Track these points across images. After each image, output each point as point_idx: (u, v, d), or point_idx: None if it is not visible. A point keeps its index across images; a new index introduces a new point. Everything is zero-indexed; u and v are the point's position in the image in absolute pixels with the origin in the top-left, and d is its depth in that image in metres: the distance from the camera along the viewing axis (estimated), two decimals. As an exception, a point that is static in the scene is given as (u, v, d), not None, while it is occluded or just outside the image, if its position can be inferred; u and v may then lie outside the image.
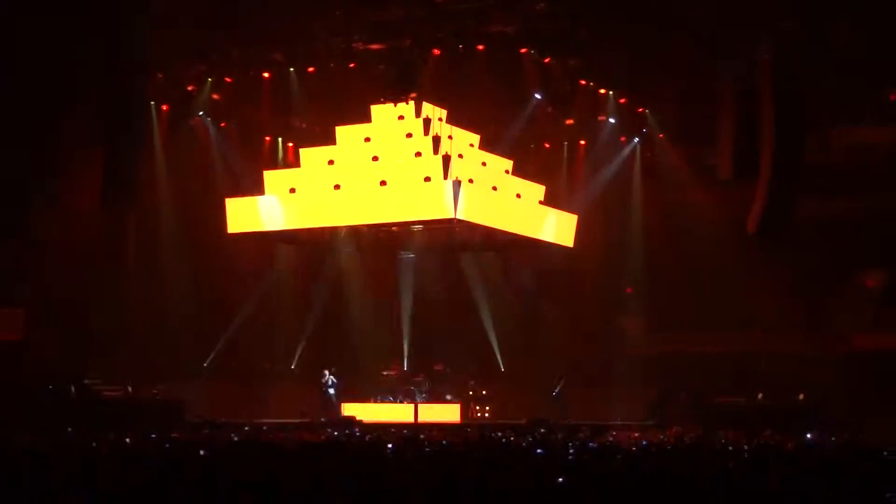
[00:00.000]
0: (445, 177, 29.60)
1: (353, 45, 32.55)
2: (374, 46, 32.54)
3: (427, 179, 30.00)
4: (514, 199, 32.55)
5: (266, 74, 34.56)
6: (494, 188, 31.68)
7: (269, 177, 32.84)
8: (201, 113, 36.97)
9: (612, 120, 37.06)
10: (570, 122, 37.50)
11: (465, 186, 29.37)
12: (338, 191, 31.32)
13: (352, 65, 33.28)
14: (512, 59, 32.96)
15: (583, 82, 34.88)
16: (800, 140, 29.96)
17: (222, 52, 34.07)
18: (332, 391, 36.48)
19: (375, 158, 31.58)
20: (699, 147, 36.75)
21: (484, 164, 32.53)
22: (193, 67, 34.78)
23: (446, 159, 29.91)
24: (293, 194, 31.97)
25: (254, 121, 38.06)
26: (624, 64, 34.29)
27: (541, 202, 33.40)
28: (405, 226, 34.13)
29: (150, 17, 30.39)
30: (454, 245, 36.18)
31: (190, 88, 35.27)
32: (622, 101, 35.98)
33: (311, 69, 33.85)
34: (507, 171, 33.44)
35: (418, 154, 30.86)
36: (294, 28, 33.09)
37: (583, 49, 33.19)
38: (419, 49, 32.06)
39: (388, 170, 31.07)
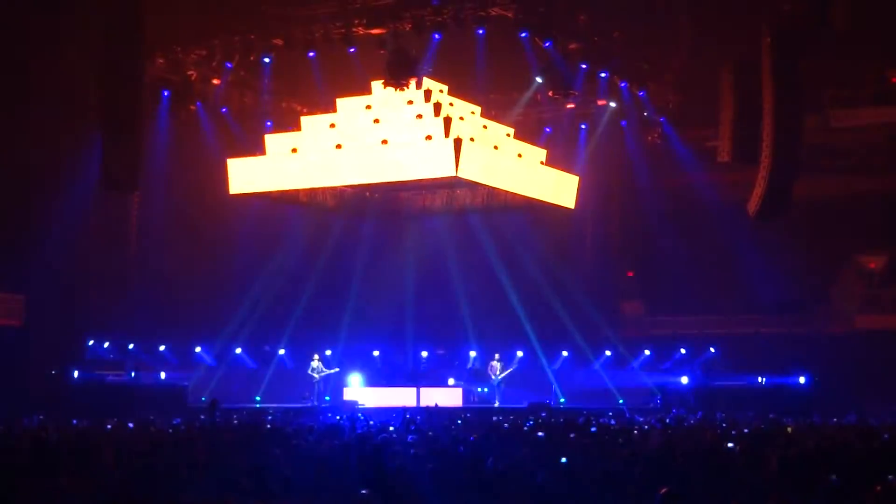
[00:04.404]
0: (446, 136, 29.73)
1: (354, 29, 32.48)
2: (375, 31, 32.47)
3: (428, 138, 30.11)
4: (516, 158, 32.57)
5: (266, 59, 34.51)
6: (496, 147, 31.79)
7: (270, 139, 32.90)
8: (202, 97, 36.86)
9: (612, 104, 37.01)
10: (570, 105, 37.43)
11: (466, 145, 29.43)
12: (339, 150, 31.40)
13: (352, 49, 33.24)
14: (512, 42, 32.90)
15: (583, 66, 34.81)
16: (800, 122, 29.94)
17: (223, 38, 34.00)
18: (316, 376, 36.18)
19: (377, 121, 31.76)
20: (700, 130, 36.75)
21: (485, 127, 32.71)
22: (194, 52, 34.71)
23: (447, 121, 30.09)
24: (295, 154, 32.04)
25: (254, 105, 38.01)
26: (624, 48, 34.25)
27: (542, 163, 33.54)
28: (407, 186, 34.34)
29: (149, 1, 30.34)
30: (454, 211, 36.33)
31: (190, 73, 35.21)
32: (623, 84, 35.90)
33: (311, 54, 33.79)
34: (508, 136, 33.55)
35: (419, 116, 31.03)
36: (295, 13, 33.02)
37: (583, 33, 33.13)
38: (419, 33, 31.99)
39: (390, 130, 31.19)
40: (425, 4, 31.33)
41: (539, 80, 34.72)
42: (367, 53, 32.80)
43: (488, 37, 32.05)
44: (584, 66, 33.91)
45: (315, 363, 36.18)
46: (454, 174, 29.62)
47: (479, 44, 32.48)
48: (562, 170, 34.17)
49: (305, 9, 32.68)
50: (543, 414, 29.62)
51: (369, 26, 32.28)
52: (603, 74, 35.10)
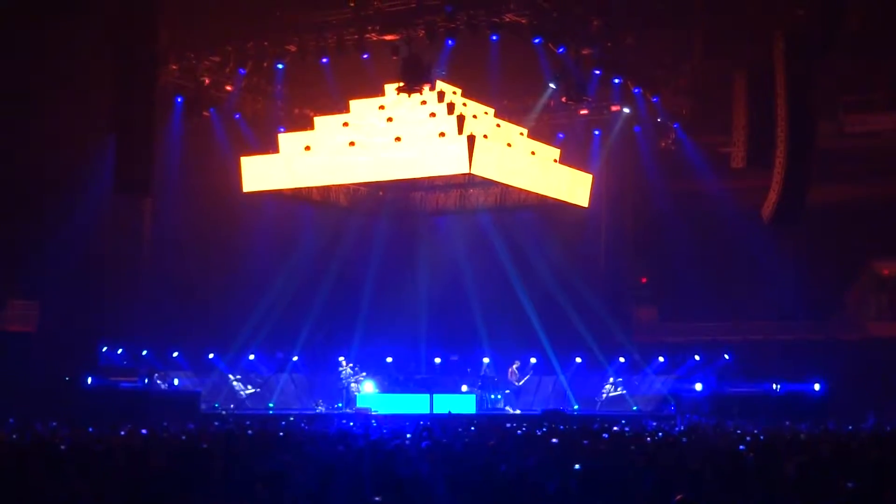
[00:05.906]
0: (460, 133, 29.85)
1: (367, 35, 32.47)
2: (388, 37, 32.47)
3: (442, 135, 30.30)
4: (529, 155, 32.79)
5: (280, 66, 34.53)
6: (509, 145, 31.91)
7: (284, 138, 33.23)
8: (215, 104, 36.82)
9: (626, 109, 36.92)
10: (584, 111, 37.39)
11: (479, 141, 29.66)
12: (353, 147, 31.70)
13: (365, 56, 33.23)
14: (526, 49, 32.86)
15: (597, 72, 34.74)
16: (814, 127, 29.88)
17: (236, 44, 34.02)
18: (346, 382, 36.20)
19: (390, 119, 32.08)
20: (713, 135, 36.66)
21: (498, 125, 32.97)
22: (208, 59, 34.73)
23: (461, 118, 30.35)
24: (308, 152, 32.29)
25: (267, 111, 38.00)
26: (638, 53, 34.20)
27: (555, 161, 33.62)
28: (420, 185, 34.40)
29: (163, 7, 30.38)
30: (467, 210, 36.46)
31: (204, 79, 35.22)
32: (636, 90, 35.80)
33: (325, 60, 33.81)
34: (521, 134, 33.68)
35: (433, 114, 31.25)
36: (308, 19, 33.03)
37: (597, 39, 33.08)
38: (432, 40, 31.96)
39: (403, 127, 31.36)
40: (438, 11, 31.31)
41: (552, 86, 34.70)
42: (380, 60, 32.83)
43: (502, 43, 32.05)
44: (597, 72, 33.86)
45: (345, 369, 36.25)
46: (468, 171, 29.83)
47: (493, 50, 32.50)
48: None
49: (319, 15, 32.70)
50: (561, 427, 29.49)
51: (382, 32, 32.27)
52: (616, 80, 35.03)
